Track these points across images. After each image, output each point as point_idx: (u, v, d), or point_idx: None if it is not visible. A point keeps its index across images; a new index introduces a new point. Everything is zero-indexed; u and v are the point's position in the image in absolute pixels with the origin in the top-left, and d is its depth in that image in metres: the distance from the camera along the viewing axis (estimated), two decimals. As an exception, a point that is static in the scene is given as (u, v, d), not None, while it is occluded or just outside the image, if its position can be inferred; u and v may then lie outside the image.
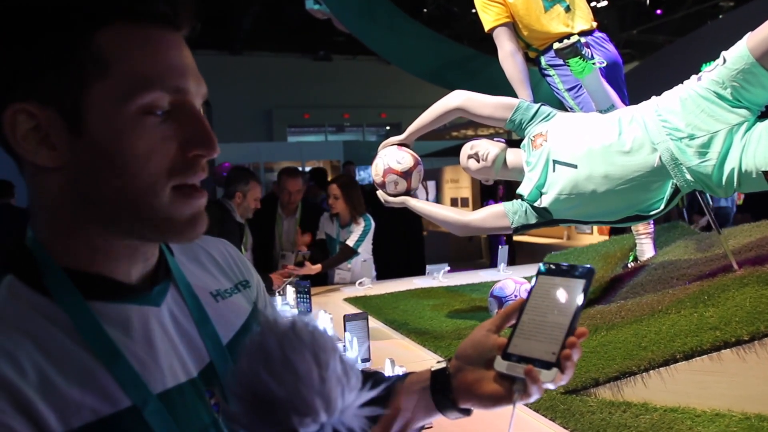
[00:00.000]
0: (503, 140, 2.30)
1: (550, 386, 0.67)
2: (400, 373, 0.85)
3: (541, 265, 0.74)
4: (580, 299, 0.69)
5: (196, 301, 0.71)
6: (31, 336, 0.56)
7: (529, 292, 0.73)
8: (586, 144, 1.93)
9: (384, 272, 3.93)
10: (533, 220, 2.10)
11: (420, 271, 3.82)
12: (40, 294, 0.59)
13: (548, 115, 2.11)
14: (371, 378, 0.70)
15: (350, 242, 3.54)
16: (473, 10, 2.67)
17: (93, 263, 0.62)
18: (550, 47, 2.48)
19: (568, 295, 0.69)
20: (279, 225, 3.87)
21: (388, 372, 1.65)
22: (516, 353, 0.69)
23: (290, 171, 3.89)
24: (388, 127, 18.76)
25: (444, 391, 0.74)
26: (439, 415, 0.76)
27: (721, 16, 10.47)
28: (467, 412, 0.75)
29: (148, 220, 0.61)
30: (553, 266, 0.73)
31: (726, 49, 1.77)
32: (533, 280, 0.73)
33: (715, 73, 1.76)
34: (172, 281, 0.70)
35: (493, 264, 5.91)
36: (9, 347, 0.54)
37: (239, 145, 12.93)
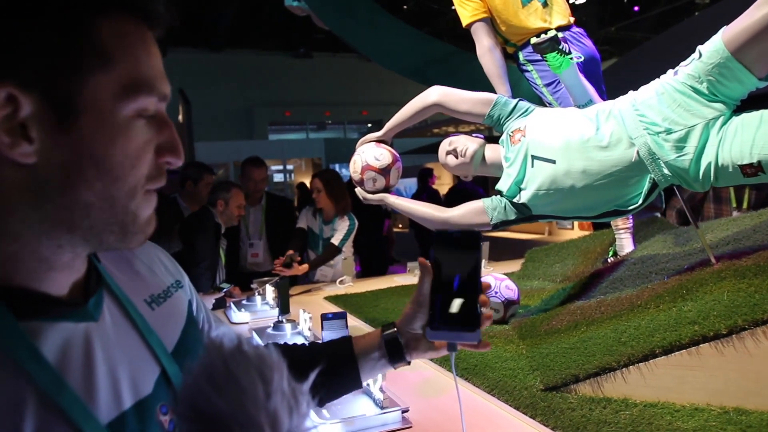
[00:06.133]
0: (482, 136, 2.28)
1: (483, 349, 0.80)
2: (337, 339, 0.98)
3: (434, 234, 0.82)
4: (476, 259, 0.77)
5: (135, 309, 0.66)
6: None
7: (432, 264, 0.81)
8: (565, 139, 1.92)
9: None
10: (512, 216, 2.09)
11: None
12: None
13: (526, 110, 2.09)
14: (322, 358, 0.87)
15: (335, 241, 3.53)
16: (452, 7, 2.65)
17: (14, 275, 0.54)
18: (528, 42, 2.47)
19: (466, 258, 0.77)
20: (245, 215, 3.91)
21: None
22: (442, 322, 0.77)
23: (254, 161, 3.97)
24: (369, 125, 18.75)
25: (398, 353, 0.90)
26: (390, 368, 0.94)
27: (697, 14, 10.60)
28: (409, 362, 0.93)
29: (121, 223, 0.57)
30: (444, 235, 0.81)
31: (703, 45, 1.77)
32: (431, 252, 0.81)
33: (690, 67, 1.76)
34: (105, 289, 0.65)
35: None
36: None
37: (220, 144, 12.82)
